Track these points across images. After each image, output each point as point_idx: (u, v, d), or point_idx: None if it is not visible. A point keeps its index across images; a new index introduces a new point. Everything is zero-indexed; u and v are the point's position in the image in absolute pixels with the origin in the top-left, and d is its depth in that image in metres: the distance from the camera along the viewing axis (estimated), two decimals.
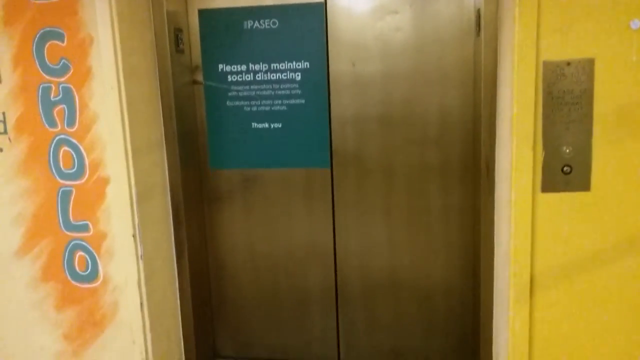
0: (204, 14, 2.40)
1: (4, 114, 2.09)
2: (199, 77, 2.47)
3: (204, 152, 2.54)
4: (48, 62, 2.03)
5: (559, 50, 1.84)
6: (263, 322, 2.67)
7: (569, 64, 1.85)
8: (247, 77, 2.43)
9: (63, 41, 2.00)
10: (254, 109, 2.45)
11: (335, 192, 2.50)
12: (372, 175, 2.45)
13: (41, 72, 2.04)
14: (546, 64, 1.86)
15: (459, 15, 2.27)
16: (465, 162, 2.38)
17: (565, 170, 1.90)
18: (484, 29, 2.07)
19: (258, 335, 2.69)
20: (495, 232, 2.16)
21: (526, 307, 1.97)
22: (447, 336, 2.54)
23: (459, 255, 2.47)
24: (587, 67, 1.84)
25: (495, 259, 2.18)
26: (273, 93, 2.43)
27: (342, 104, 2.41)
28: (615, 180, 1.88)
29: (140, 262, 2.15)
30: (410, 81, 2.35)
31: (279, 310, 2.64)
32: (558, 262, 1.93)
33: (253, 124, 2.47)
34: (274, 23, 2.36)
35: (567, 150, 1.89)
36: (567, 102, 1.88)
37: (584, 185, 1.90)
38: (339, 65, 2.38)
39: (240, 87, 2.45)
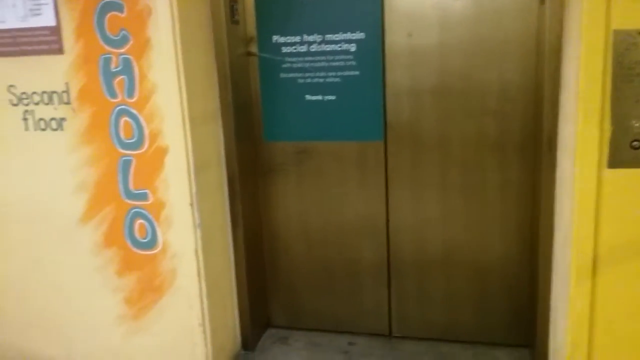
0: None
1: (67, 84, 2.15)
2: (254, 48, 2.47)
3: (258, 124, 2.55)
4: (108, 33, 2.06)
5: (630, 18, 1.73)
6: (315, 294, 2.70)
7: None
8: (301, 49, 2.41)
9: (122, 12, 2.03)
10: (308, 80, 2.44)
11: (388, 165, 2.47)
12: (427, 149, 2.41)
13: (102, 43, 2.08)
14: (616, 33, 1.75)
15: None
16: (525, 135, 2.30)
17: (634, 145, 1.80)
18: None
19: (310, 306, 2.73)
20: (556, 209, 2.09)
21: (588, 286, 1.91)
22: (501, 313, 2.50)
23: (516, 231, 2.41)
24: None
25: (554, 236, 2.11)
26: (327, 65, 2.40)
27: (397, 75, 2.36)
28: None
29: (197, 230, 2.20)
30: (469, 52, 2.28)
31: (331, 282, 2.67)
32: (624, 241, 1.85)
33: (306, 96, 2.46)
34: None
35: (637, 125, 1.80)
36: (638, 73, 1.78)
37: None
38: (394, 36, 2.33)
39: (294, 59, 2.43)
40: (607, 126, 1.80)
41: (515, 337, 2.51)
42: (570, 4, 1.89)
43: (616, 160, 1.82)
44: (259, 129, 2.56)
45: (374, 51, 2.34)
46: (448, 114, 2.36)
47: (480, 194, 2.41)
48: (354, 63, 2.37)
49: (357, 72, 2.38)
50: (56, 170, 2.25)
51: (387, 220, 2.54)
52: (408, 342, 2.62)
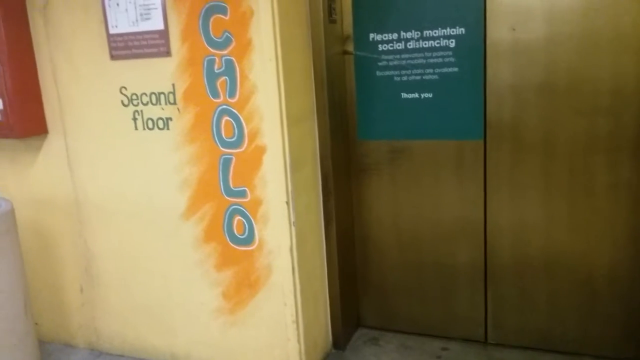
0: None
1: (173, 85, 2.25)
2: (350, 47, 2.46)
3: (352, 123, 2.55)
4: (213, 36, 2.13)
5: None
6: (407, 296, 2.66)
7: None
8: (398, 46, 2.37)
9: (226, 15, 2.09)
10: (404, 78, 2.40)
11: (487, 166, 2.39)
12: (530, 149, 2.30)
13: (206, 45, 2.15)
14: None
15: None
16: (639, 136, 2.14)
17: None
18: None
19: (402, 308, 2.68)
20: None
21: None
22: (611, 323, 2.34)
23: (628, 236, 2.24)
24: None
25: None
26: (425, 61, 2.35)
27: (499, 71, 2.27)
28: None
29: (293, 228, 2.22)
30: (578, 46, 2.15)
31: (423, 284, 2.61)
32: None
33: (403, 94, 2.42)
34: None
35: None
36: None
37: None
38: (497, 30, 2.24)
39: (390, 57, 2.40)
40: None
41: (626, 350, 2.34)
42: None
43: None
44: (353, 128, 2.55)
45: (474, 47, 2.27)
46: (554, 112, 2.23)
47: (587, 196, 2.27)
48: (453, 59, 2.31)
49: (456, 69, 2.31)
50: (162, 167, 2.36)
51: (485, 223, 2.45)
52: (505, 350, 2.51)
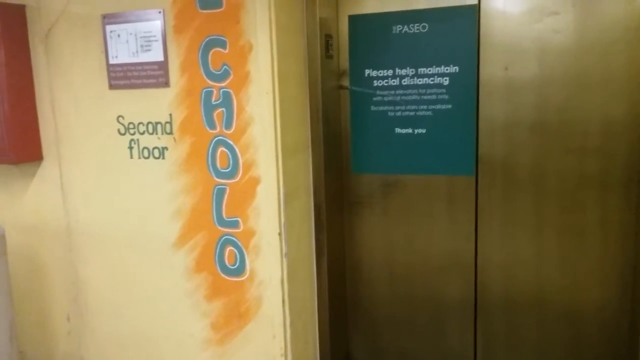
0: (354, 19, 2.43)
1: (170, 115, 2.27)
2: (345, 82, 2.51)
3: (346, 156, 2.58)
4: (211, 68, 2.17)
5: None
6: (397, 330, 2.65)
7: None
8: (393, 82, 2.42)
9: (225, 48, 2.13)
10: (398, 114, 2.44)
11: (479, 201, 2.41)
12: (521, 185, 2.33)
13: (205, 77, 2.18)
14: None
15: (629, 15, 2.09)
16: (630, 174, 2.18)
17: None
18: None
19: (391, 342, 2.67)
20: None
21: None
22: None
23: (617, 276, 2.26)
24: None
25: None
26: (419, 98, 2.40)
27: (492, 109, 2.32)
28: None
29: (284, 260, 2.22)
30: (569, 86, 2.20)
31: (413, 320, 2.60)
32: None
33: (397, 129, 2.46)
34: (423, 27, 2.33)
35: None
36: None
37: None
38: (490, 69, 2.29)
39: (385, 92, 2.45)
40: None
41: None
42: None
43: None
44: (347, 161, 2.58)
45: (468, 85, 2.32)
46: (545, 150, 2.27)
47: (578, 234, 2.29)
48: (446, 97, 2.35)
49: (449, 106, 2.35)
50: (155, 196, 2.36)
51: (476, 258, 2.46)
52: None
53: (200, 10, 2.15)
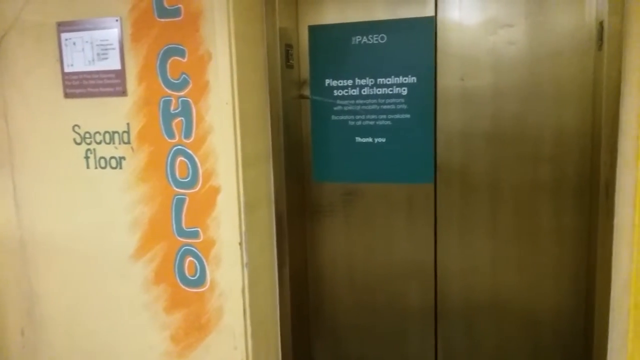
0: (313, 30, 2.45)
1: (128, 124, 2.24)
2: (306, 91, 2.52)
3: (307, 165, 2.58)
4: (170, 77, 2.15)
5: None
6: (359, 338, 2.66)
7: None
8: (353, 92, 2.44)
9: (184, 57, 2.12)
10: (359, 123, 2.46)
11: (438, 209, 2.45)
12: (478, 193, 2.38)
13: (163, 86, 2.16)
14: None
15: (579, 28, 2.16)
16: (582, 182, 2.25)
17: None
18: (607, 42, 1.95)
19: (354, 349, 2.68)
20: (613, 259, 2.01)
21: None
22: None
23: (570, 281, 2.33)
24: None
25: (612, 286, 2.03)
26: (378, 107, 2.42)
27: (449, 119, 2.36)
28: None
29: (245, 270, 2.21)
30: (523, 96, 2.26)
31: (376, 327, 2.62)
32: None
33: (357, 138, 2.48)
34: (382, 38, 2.36)
35: None
36: None
37: None
38: (447, 79, 2.34)
39: (345, 102, 2.47)
40: None
41: None
42: (629, 50, 1.87)
43: None
44: (308, 170, 2.59)
45: (425, 95, 2.36)
46: (501, 158, 2.33)
47: (533, 241, 2.35)
48: (405, 106, 2.39)
49: (408, 115, 2.39)
50: (113, 207, 2.32)
51: (435, 264, 2.49)
52: None
53: (158, 19, 2.13)
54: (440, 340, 2.54)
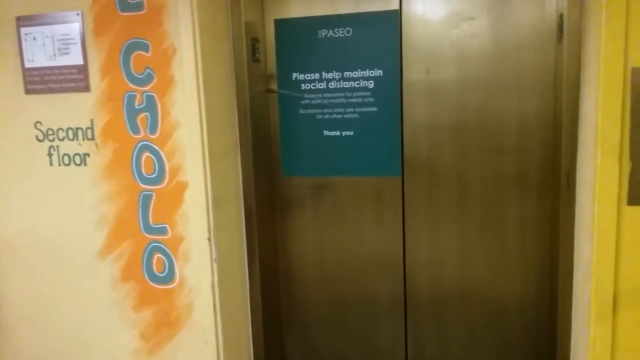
0: (279, 23, 2.44)
1: (92, 121, 2.20)
2: (273, 85, 2.52)
3: (276, 160, 2.58)
4: (133, 72, 2.12)
5: None
6: (331, 330, 2.67)
7: None
8: (320, 86, 2.45)
9: (148, 51, 2.09)
10: (326, 116, 2.47)
11: (405, 201, 2.47)
12: (445, 184, 2.41)
13: (127, 81, 2.14)
14: (634, 71, 1.77)
15: (539, 21, 2.21)
16: (544, 172, 2.30)
17: None
18: (567, 35, 2.00)
19: (325, 343, 2.69)
20: (575, 246, 2.07)
21: (608, 326, 1.88)
22: (521, 352, 2.45)
23: (535, 269, 2.38)
24: None
25: (574, 273, 2.09)
26: (345, 101, 2.44)
27: (415, 111, 2.39)
28: None
29: (215, 265, 2.20)
30: (487, 88, 2.30)
31: (347, 318, 2.64)
32: None
33: (325, 131, 2.49)
34: (348, 31, 2.37)
35: None
36: None
37: None
38: (412, 72, 2.36)
39: (313, 95, 2.47)
40: (626, 164, 1.80)
41: None
42: (587, 41, 1.91)
43: (636, 197, 1.81)
44: (277, 165, 2.59)
45: (391, 88, 2.38)
46: (466, 149, 2.36)
47: (498, 231, 2.40)
48: (372, 99, 2.40)
49: (375, 108, 2.41)
50: (78, 204, 2.29)
51: (404, 257, 2.52)
52: None
53: (121, 13, 2.10)
54: (410, 330, 2.57)
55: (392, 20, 2.33)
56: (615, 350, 1.88)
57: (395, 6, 2.33)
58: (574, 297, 2.10)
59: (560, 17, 2.10)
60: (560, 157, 2.11)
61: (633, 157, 1.80)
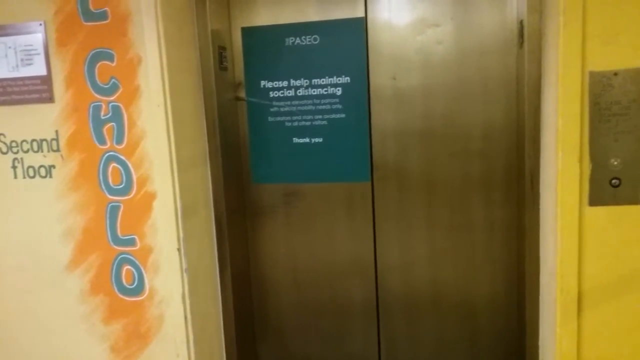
0: (246, 31, 2.45)
1: (56, 132, 2.17)
2: (242, 93, 2.52)
3: (246, 167, 2.58)
4: (98, 82, 2.10)
5: (605, 61, 1.80)
6: (304, 337, 2.67)
7: (616, 74, 1.80)
8: (289, 93, 2.46)
9: (113, 61, 2.08)
10: (295, 124, 2.48)
11: (375, 206, 2.50)
12: (414, 189, 2.44)
13: (92, 91, 2.11)
14: (592, 74, 1.82)
15: (501, 27, 2.25)
16: (509, 175, 2.34)
17: (613, 183, 1.85)
18: (527, 40, 2.05)
19: (299, 349, 2.69)
20: (540, 247, 2.12)
21: (574, 324, 1.92)
22: (491, 353, 2.49)
23: (503, 270, 2.42)
24: (636, 77, 1.79)
25: (541, 274, 2.13)
26: (314, 108, 2.45)
27: (383, 117, 2.41)
28: None
29: (185, 275, 2.19)
30: (452, 94, 2.34)
31: (320, 324, 2.64)
32: (607, 278, 1.87)
33: (294, 138, 2.50)
34: (315, 39, 2.39)
35: (616, 163, 1.84)
36: (614, 113, 1.83)
37: (634, 198, 1.84)
38: (379, 79, 2.39)
39: (281, 103, 2.48)
40: (587, 165, 1.85)
41: None
42: (547, 46, 1.96)
43: (597, 198, 1.86)
44: (247, 172, 2.58)
45: (359, 94, 2.40)
46: (433, 154, 2.40)
47: (467, 233, 2.43)
48: (340, 106, 2.42)
49: (343, 115, 2.43)
50: (44, 217, 2.24)
51: (376, 261, 2.54)
52: None
53: (84, 23, 2.08)
54: (382, 333, 2.59)
55: (358, 28, 2.35)
56: (580, 348, 1.92)
57: (361, 14, 2.35)
58: (540, 297, 2.14)
59: (521, 23, 2.15)
60: (525, 160, 2.16)
61: (593, 158, 1.84)
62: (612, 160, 1.84)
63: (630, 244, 1.85)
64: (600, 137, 1.84)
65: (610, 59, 1.80)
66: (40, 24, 2.11)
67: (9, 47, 2.16)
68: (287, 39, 2.42)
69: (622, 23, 1.77)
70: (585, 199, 1.86)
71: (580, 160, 1.84)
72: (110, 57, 2.08)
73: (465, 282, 2.46)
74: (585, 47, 1.81)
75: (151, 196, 2.15)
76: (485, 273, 2.44)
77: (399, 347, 2.58)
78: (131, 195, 2.16)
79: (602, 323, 1.89)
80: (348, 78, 2.40)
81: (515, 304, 2.43)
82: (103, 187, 2.17)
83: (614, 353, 1.90)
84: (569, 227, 1.87)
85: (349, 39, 2.37)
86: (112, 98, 2.11)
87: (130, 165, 2.14)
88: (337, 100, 2.42)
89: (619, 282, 1.88)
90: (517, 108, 2.28)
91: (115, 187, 2.16)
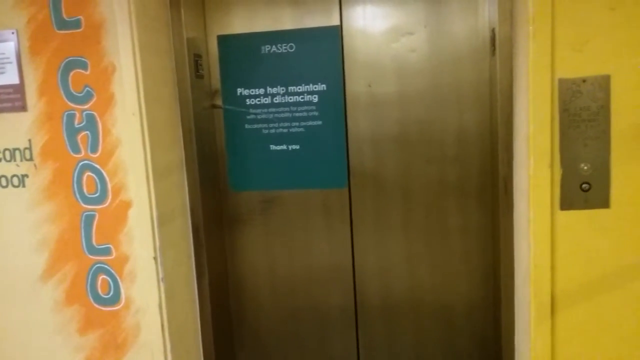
0: (222, 39, 2.45)
1: (30, 141, 2.15)
2: (218, 101, 2.52)
3: (223, 175, 2.57)
4: (72, 90, 2.08)
5: (574, 68, 1.85)
6: (284, 344, 2.67)
7: (584, 81, 1.85)
8: (265, 100, 2.47)
9: (87, 69, 2.06)
10: (272, 131, 2.49)
11: (353, 212, 2.51)
12: (390, 195, 2.46)
13: (65, 99, 2.10)
14: (561, 82, 1.86)
15: (473, 35, 2.29)
16: (484, 180, 2.38)
17: (584, 187, 1.89)
18: (499, 48, 2.09)
19: (279, 355, 2.68)
20: (514, 251, 2.15)
21: (547, 327, 1.95)
22: (469, 356, 2.51)
23: (479, 275, 2.45)
24: (603, 83, 1.84)
25: (515, 278, 2.16)
26: (291, 115, 2.46)
27: (359, 124, 2.43)
28: (636, 196, 1.86)
29: (161, 284, 2.17)
30: (426, 101, 2.37)
31: (299, 331, 2.64)
32: (579, 280, 1.91)
33: (271, 146, 2.50)
34: (291, 47, 2.40)
35: (585, 168, 1.88)
36: (584, 119, 1.88)
37: (604, 202, 1.88)
38: (355, 86, 2.41)
39: (258, 110, 2.48)
40: (558, 170, 1.89)
41: None
42: (518, 54, 2.00)
43: (567, 202, 1.89)
44: (224, 180, 2.58)
45: (335, 101, 2.42)
46: (409, 160, 2.42)
47: (443, 239, 2.46)
48: (316, 113, 2.44)
49: (320, 122, 2.44)
50: (17, 227, 2.22)
51: (353, 267, 2.55)
52: None
53: (57, 31, 2.06)
54: (361, 338, 2.60)
55: (334, 36, 2.37)
56: (555, 349, 1.95)
57: (336, 22, 2.38)
58: (515, 300, 2.17)
59: (493, 31, 2.19)
60: (498, 166, 2.20)
61: (563, 163, 1.88)
62: (582, 165, 1.88)
63: (601, 247, 1.89)
64: (570, 143, 1.88)
65: (578, 66, 1.84)
66: (13, 32, 2.09)
67: None
68: (263, 47, 2.43)
69: (589, 31, 1.81)
70: (557, 204, 1.90)
71: (551, 166, 1.88)
72: (84, 66, 2.06)
73: (442, 286, 2.49)
74: (554, 55, 1.85)
75: (126, 205, 2.13)
76: (462, 277, 2.47)
77: (377, 353, 2.59)
78: (106, 204, 2.14)
79: (575, 324, 1.93)
80: (324, 85, 2.41)
81: (491, 307, 2.46)
82: (77, 196, 2.15)
83: (587, 353, 1.94)
84: (541, 231, 1.90)
85: (325, 47, 2.39)
86: (86, 106, 2.09)
87: (105, 173, 2.12)
88: (313, 107, 2.44)
89: (591, 284, 1.92)
90: (490, 114, 2.31)
91: (90, 195, 2.14)
